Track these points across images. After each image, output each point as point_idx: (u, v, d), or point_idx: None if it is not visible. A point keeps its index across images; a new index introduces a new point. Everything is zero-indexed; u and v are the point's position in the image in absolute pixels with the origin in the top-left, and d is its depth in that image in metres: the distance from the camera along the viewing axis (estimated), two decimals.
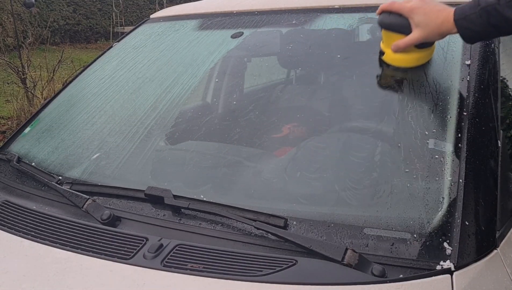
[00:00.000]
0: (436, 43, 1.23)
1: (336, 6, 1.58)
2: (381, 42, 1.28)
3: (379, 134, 1.24)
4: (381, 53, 1.28)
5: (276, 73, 1.69)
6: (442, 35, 1.16)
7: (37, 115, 1.62)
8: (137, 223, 1.08)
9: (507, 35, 1.17)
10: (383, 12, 1.23)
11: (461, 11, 1.11)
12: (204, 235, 1.02)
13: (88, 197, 1.13)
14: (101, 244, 0.99)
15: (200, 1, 2.17)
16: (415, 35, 1.15)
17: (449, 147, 1.08)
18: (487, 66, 1.24)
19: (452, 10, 1.13)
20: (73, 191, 1.16)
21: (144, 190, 1.12)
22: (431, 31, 1.14)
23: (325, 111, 1.40)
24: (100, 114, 1.55)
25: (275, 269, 0.88)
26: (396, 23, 1.19)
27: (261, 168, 1.21)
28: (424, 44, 1.20)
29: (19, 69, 5.42)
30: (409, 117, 1.23)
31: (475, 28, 1.10)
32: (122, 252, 0.96)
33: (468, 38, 1.14)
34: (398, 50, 1.21)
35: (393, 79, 1.31)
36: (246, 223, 0.99)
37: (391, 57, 1.24)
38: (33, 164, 1.34)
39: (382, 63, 1.30)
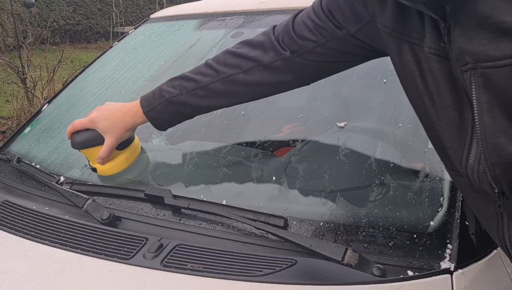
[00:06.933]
0: None
1: None
2: (88, 162, 1.24)
3: (379, 134, 1.24)
4: (94, 170, 1.23)
5: None
6: (132, 130, 1.19)
7: (37, 115, 1.62)
8: (137, 223, 1.08)
9: (192, 117, 1.20)
10: (72, 134, 1.20)
11: (147, 103, 1.15)
12: (204, 235, 1.02)
13: (88, 197, 1.13)
14: (101, 244, 0.99)
15: (200, 1, 2.17)
16: (108, 140, 1.16)
17: None
18: None
19: (133, 104, 1.17)
20: (73, 191, 1.16)
21: (144, 190, 1.12)
22: (120, 131, 1.16)
23: (325, 111, 1.40)
24: None
25: (275, 269, 0.88)
26: (88, 138, 1.18)
27: (261, 168, 1.21)
28: (124, 144, 1.21)
29: (19, 69, 5.42)
30: (409, 116, 1.23)
31: (164, 117, 1.15)
32: (122, 252, 0.96)
33: (159, 126, 1.18)
34: (103, 161, 1.19)
35: None
36: (246, 223, 0.99)
37: (103, 169, 1.21)
38: (33, 164, 1.34)
39: None
